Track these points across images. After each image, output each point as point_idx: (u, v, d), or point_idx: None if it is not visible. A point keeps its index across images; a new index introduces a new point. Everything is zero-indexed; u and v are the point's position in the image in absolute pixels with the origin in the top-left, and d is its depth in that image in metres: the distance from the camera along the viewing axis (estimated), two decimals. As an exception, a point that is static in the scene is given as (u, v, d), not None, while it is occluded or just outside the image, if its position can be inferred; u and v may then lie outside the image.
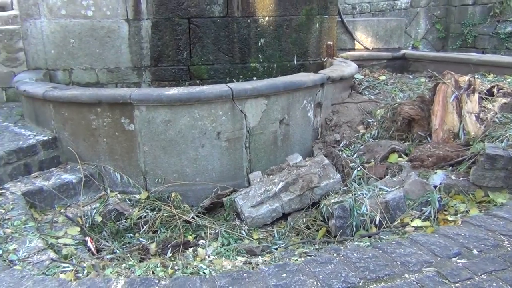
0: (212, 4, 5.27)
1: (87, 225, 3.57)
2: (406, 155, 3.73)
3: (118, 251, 3.40)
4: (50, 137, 4.15)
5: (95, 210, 3.73)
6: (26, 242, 2.82)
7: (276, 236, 3.58)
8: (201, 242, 3.59)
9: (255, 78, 5.54)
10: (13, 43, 5.27)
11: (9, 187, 3.64)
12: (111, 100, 3.93)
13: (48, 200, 3.71)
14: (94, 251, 3.29)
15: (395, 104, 4.15)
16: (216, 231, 3.68)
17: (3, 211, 3.21)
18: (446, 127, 3.79)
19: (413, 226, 2.78)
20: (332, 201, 3.27)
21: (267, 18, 5.43)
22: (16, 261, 2.60)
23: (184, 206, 4.00)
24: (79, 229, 3.44)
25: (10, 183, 3.71)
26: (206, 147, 4.07)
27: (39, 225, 3.31)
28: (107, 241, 3.54)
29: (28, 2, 4.93)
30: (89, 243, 3.30)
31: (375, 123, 4.30)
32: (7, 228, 2.97)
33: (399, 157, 3.74)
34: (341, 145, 4.21)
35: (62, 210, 3.66)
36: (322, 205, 3.37)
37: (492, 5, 9.41)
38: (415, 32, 10.10)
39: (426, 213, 2.87)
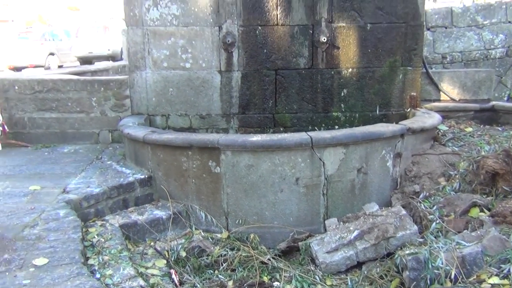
0: (298, 56, 5.60)
1: (172, 259, 3.88)
2: (489, 210, 3.62)
3: (198, 286, 3.65)
4: (146, 176, 4.63)
5: (180, 246, 4.05)
6: (120, 269, 3.17)
7: (349, 284, 3.61)
8: (275, 284, 3.73)
9: (336, 127, 5.70)
10: (122, 91, 5.97)
11: (108, 219, 4.11)
12: (201, 145, 4.32)
13: (141, 233, 4.11)
14: (177, 283, 3.57)
15: (478, 157, 4.06)
16: (291, 274, 3.80)
17: (103, 240, 3.63)
18: (534, 183, 3.64)
19: (489, 283, 2.71)
20: (407, 252, 3.27)
21: (350, 70, 5.63)
22: (111, 285, 2.94)
23: (261, 248, 4.19)
24: (165, 261, 3.77)
25: (110, 216, 4.18)
26: (285, 192, 4.27)
27: (131, 255, 3.68)
28: (189, 275, 3.81)
29: (137, 56, 5.62)
30: (173, 276, 3.60)
31: (457, 176, 4.22)
32: (105, 255, 3.36)
33: (480, 212, 3.64)
34: (421, 196, 4.18)
35: (152, 243, 4.02)
36: (396, 255, 3.37)
37: None
38: (512, 82, 9.65)
39: (504, 271, 2.78)
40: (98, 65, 10.81)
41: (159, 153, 4.61)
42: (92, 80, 6.20)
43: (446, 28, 9.59)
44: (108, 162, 5.21)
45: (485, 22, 9.56)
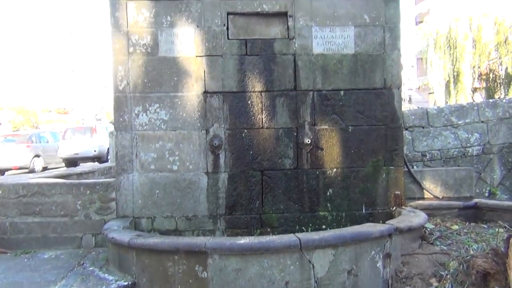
0: (283, 157, 5.74)
1: None
2: (484, 313, 3.52)
3: None
4: (130, 283, 4.44)
5: None
6: None
7: None
8: None
9: (324, 226, 5.69)
10: (108, 194, 5.94)
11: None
12: (188, 248, 4.23)
13: None
14: None
15: (467, 256, 4.04)
16: None
17: None
18: (527, 283, 3.60)
19: None
20: None
21: (335, 170, 5.76)
22: None
23: None
24: None
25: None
26: (274, 297, 4.11)
27: None
28: None
29: (124, 159, 5.69)
30: None
31: (448, 276, 4.16)
32: None
33: (476, 315, 3.53)
34: (414, 299, 4.06)
35: None
36: None
37: None
38: (491, 178, 9.90)
39: None
40: (84, 167, 10.85)
41: (144, 258, 4.48)
42: (78, 184, 6.18)
43: (423, 127, 10.02)
44: (91, 268, 5.01)
45: (459, 122, 10.04)
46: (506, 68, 22.58)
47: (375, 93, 5.79)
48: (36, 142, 17.41)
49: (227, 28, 5.79)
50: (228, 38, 5.79)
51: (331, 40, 5.83)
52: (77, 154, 17.19)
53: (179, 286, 4.26)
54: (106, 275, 4.72)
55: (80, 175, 8.46)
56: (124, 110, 5.69)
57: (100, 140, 17.83)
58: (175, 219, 5.74)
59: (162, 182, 5.71)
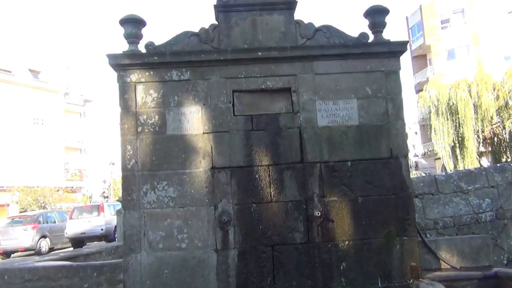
0: (293, 231, 5.65)
1: None
2: None
3: None
4: None
5: None
6: None
7: None
8: None
9: (340, 303, 5.45)
10: (115, 276, 5.79)
11: None
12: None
13: None
14: None
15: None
16: None
17: None
18: None
19: None
20: None
21: (347, 242, 5.63)
22: None
23: None
24: None
25: None
26: None
27: None
28: None
29: (132, 238, 5.61)
30: None
31: None
32: None
33: None
34: None
35: None
36: None
37: None
38: (508, 245, 9.60)
39: None
40: (91, 248, 10.69)
41: None
42: (85, 266, 6.06)
43: (433, 195, 9.89)
44: None
45: (469, 188, 9.92)
46: (510, 132, 22.73)
47: (382, 162, 5.81)
48: (43, 223, 17.28)
49: (233, 105, 5.94)
50: (234, 115, 5.92)
51: (335, 112, 5.95)
52: (84, 233, 16.97)
53: None
54: None
55: (87, 256, 8.32)
56: (132, 188, 5.70)
57: (107, 218, 17.68)
58: (184, 301, 5.54)
59: (170, 262, 5.57)
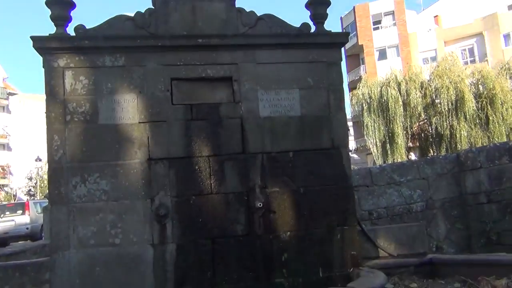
0: (235, 223, 5.49)
1: None
2: None
3: None
4: None
5: None
6: None
7: None
8: None
9: (281, 295, 5.37)
10: (40, 276, 5.35)
11: None
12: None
13: None
14: None
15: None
16: None
17: None
18: None
19: None
20: None
21: (288, 233, 5.56)
22: None
23: None
24: None
25: None
26: None
27: None
28: None
29: (59, 235, 5.17)
30: None
31: None
32: None
33: None
34: None
35: None
36: None
37: (507, 202, 9.56)
38: (436, 233, 10.06)
39: None
40: (14, 248, 9.91)
41: None
42: (5, 266, 5.55)
43: (368, 186, 10.16)
44: None
45: (401, 180, 10.28)
46: (436, 128, 24.07)
47: (323, 153, 5.79)
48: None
49: (171, 94, 5.66)
50: (172, 104, 5.65)
51: (277, 103, 5.85)
52: (7, 233, 15.84)
53: None
54: None
55: (9, 256, 7.65)
56: (60, 181, 5.26)
57: (33, 216, 16.61)
58: (118, 300, 5.20)
59: (103, 258, 5.20)
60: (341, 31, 39.80)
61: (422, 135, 26.14)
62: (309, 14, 6.13)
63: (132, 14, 5.76)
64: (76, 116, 5.42)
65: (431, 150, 25.11)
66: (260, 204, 5.47)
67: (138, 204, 5.36)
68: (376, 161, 26.08)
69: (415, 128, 25.89)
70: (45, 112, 5.39)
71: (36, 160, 34.06)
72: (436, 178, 10.39)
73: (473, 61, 35.64)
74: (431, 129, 24.99)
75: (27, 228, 16.15)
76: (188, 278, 5.32)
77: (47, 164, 5.46)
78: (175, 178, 5.46)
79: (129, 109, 5.53)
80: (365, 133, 27.21)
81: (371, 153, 28.14)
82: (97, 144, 5.40)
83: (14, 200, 30.40)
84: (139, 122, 5.52)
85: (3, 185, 37.94)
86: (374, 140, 26.19)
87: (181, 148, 5.55)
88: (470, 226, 10.12)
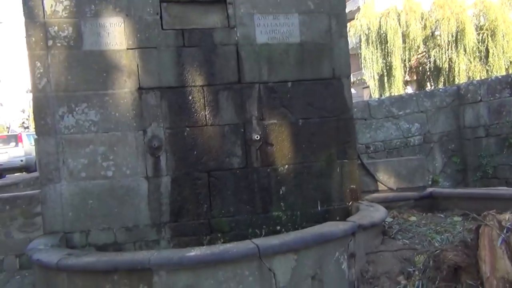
0: (231, 156, 5.29)
1: None
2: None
3: None
4: (61, 312, 3.79)
5: None
6: None
7: None
8: None
9: (278, 227, 5.31)
10: (31, 208, 5.21)
11: None
12: (129, 267, 3.66)
13: None
14: None
15: (436, 250, 3.80)
16: None
17: None
18: (499, 274, 3.39)
19: None
20: None
21: (286, 166, 5.39)
22: None
23: None
24: None
25: None
26: (232, 314, 3.64)
27: None
28: None
29: (49, 167, 4.97)
30: None
31: (416, 272, 3.90)
32: None
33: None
34: (383, 301, 3.76)
35: None
36: None
37: (505, 136, 9.44)
38: (433, 167, 10.02)
39: None
40: (6, 180, 9.78)
41: (77, 281, 3.84)
42: (-5, 198, 5.38)
43: (365, 120, 9.97)
44: (14, 297, 4.30)
45: (400, 113, 10.09)
46: (434, 61, 23.50)
47: (324, 83, 5.48)
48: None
49: (161, 17, 5.23)
50: (162, 29, 5.23)
51: (275, 28, 5.44)
52: (1, 165, 15.69)
53: (121, 311, 3.68)
54: (33, 304, 4.04)
55: (1, 188, 7.52)
56: (45, 111, 4.96)
57: (26, 149, 16.40)
58: (113, 231, 5.10)
59: (95, 191, 5.04)
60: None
61: (420, 68, 25.57)
62: None
63: None
64: (59, 41, 5.01)
65: (428, 84, 24.70)
66: (257, 137, 5.25)
67: (130, 135, 5.12)
68: (372, 94, 25.70)
69: (413, 61, 25.28)
70: (25, 37, 4.98)
71: (27, 92, 33.43)
72: (435, 111, 10.20)
73: (476, -9, 34.25)
74: (430, 62, 24.41)
75: (21, 160, 15.97)
76: (184, 211, 5.20)
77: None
78: (168, 109, 5.18)
79: (116, 34, 5.12)
80: (362, 66, 26.54)
81: (368, 86, 27.68)
82: (83, 72, 5.04)
83: (8, 133, 30.09)
84: (127, 49, 5.14)
85: (-5, 118, 37.54)
86: (372, 73, 25.61)
87: (173, 77, 5.22)
88: (467, 160, 10.08)
